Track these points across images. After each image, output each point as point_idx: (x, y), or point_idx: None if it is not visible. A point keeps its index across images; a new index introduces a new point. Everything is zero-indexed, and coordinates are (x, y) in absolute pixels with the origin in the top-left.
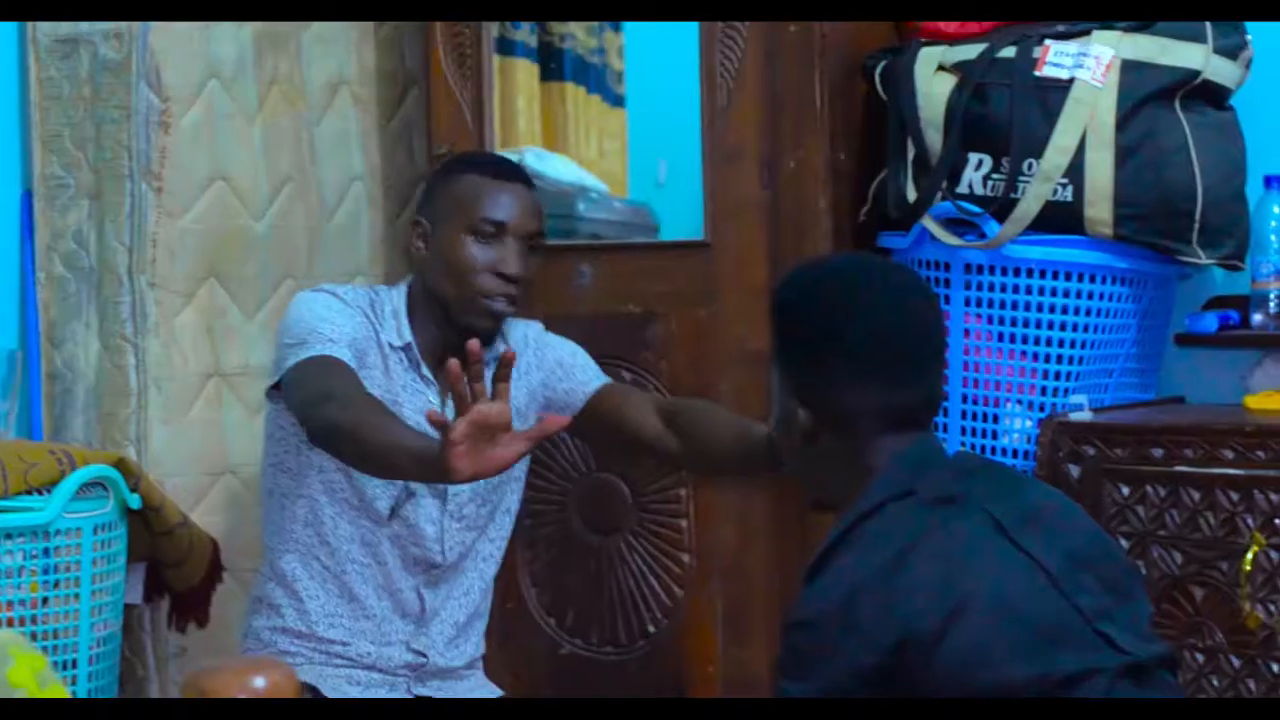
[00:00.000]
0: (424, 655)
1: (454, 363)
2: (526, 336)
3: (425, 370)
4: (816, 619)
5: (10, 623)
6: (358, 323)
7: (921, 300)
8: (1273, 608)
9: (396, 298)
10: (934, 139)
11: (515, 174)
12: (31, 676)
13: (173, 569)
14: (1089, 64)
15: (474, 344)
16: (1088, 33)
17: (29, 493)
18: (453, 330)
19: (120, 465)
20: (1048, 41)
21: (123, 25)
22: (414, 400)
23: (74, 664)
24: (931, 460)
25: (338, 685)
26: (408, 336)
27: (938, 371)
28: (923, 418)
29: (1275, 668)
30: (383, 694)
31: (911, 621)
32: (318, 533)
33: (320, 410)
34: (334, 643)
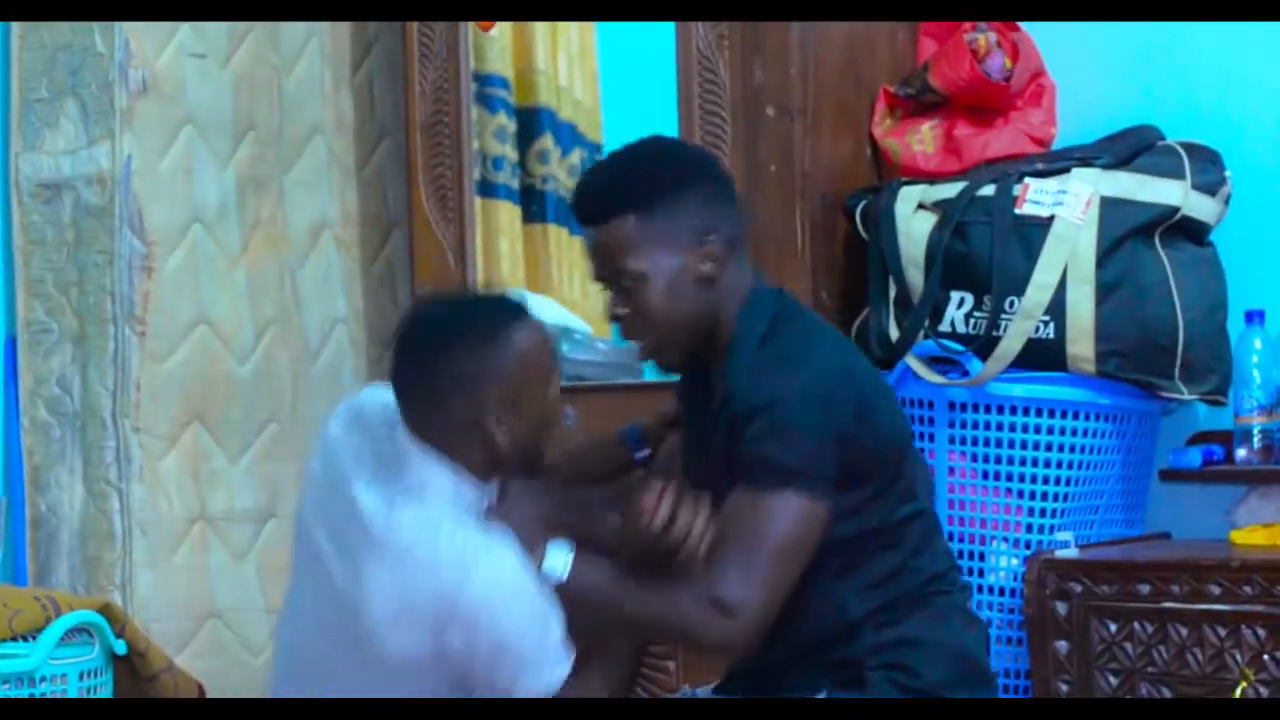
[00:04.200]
0: None
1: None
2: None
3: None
4: (787, 396)
5: None
6: None
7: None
8: None
9: None
10: (915, 277)
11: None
12: None
13: None
14: (1069, 201)
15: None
16: (1066, 170)
17: (14, 639)
18: None
19: (105, 611)
20: (1027, 179)
21: (105, 169)
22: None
23: None
24: (774, 294)
25: None
26: None
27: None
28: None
29: None
30: None
31: (854, 398)
32: None
33: None
34: None
